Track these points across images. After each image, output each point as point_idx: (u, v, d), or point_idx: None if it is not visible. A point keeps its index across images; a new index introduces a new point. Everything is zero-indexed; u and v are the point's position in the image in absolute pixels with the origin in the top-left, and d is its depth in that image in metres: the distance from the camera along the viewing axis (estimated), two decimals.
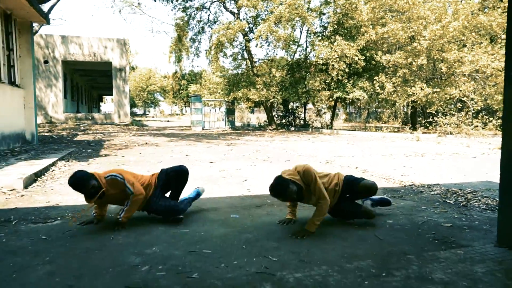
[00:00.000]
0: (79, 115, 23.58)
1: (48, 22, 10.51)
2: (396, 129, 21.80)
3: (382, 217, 3.70)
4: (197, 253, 2.71)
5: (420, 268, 2.48)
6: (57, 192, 4.68)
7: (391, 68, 19.29)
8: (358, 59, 18.86)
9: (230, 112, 22.41)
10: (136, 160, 7.75)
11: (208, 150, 9.79)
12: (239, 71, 22.54)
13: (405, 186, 5.37)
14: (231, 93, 20.66)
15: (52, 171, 6.10)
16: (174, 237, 3.04)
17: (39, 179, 5.40)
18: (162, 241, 2.94)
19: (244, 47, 22.29)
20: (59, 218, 3.58)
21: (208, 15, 25.71)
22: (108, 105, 61.73)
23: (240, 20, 20.39)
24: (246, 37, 21.57)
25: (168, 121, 43.18)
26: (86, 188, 3.10)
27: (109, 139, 13.02)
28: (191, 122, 21.59)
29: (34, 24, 11.69)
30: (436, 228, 3.35)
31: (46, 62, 22.20)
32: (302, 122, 23.10)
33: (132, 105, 50.58)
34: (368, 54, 19.90)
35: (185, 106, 66.21)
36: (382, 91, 18.56)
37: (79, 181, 3.09)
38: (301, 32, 21.55)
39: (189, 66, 27.92)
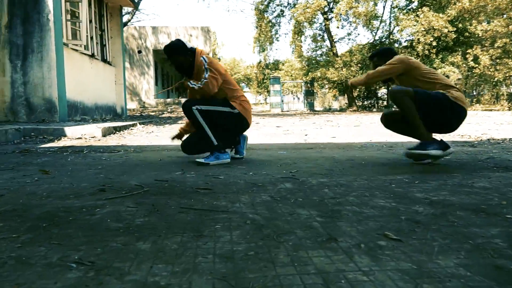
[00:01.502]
0: (168, 100, 25.30)
1: (136, 7, 11.45)
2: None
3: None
4: (231, 167, 2.79)
5: (462, 179, 2.25)
6: (129, 140, 5.13)
7: (488, 40, 17.34)
8: (448, 31, 17.29)
9: (308, 93, 22.18)
10: None
11: (279, 121, 9.85)
12: (319, 52, 22.12)
13: (481, 140, 4.85)
14: (309, 73, 20.40)
15: (131, 129, 6.69)
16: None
17: (117, 132, 5.97)
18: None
19: (323, 27, 21.81)
20: (122, 151, 3.93)
21: None
22: None
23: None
24: (325, 16, 21.04)
25: (252, 108, 44.28)
26: (179, 53, 2.99)
27: None
28: (270, 104, 21.84)
29: (127, 13, 12.82)
30: (501, 162, 2.99)
31: (139, 52, 24.17)
32: (385, 103, 21.92)
33: None
34: (460, 25, 18.15)
35: (269, 96, 66.98)
36: (477, 65, 16.82)
37: (177, 42, 3.02)
38: (384, 7, 20.38)
39: (272, 53, 27.98)
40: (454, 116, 2.88)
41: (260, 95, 74.84)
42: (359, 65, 19.76)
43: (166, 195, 1.92)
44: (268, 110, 22.48)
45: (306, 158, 3.25)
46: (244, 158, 3.28)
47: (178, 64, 3.07)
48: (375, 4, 18.63)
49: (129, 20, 17.99)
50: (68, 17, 7.88)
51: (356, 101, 22.87)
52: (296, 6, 20.41)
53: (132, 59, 24.04)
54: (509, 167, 2.72)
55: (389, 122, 3.20)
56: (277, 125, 7.85)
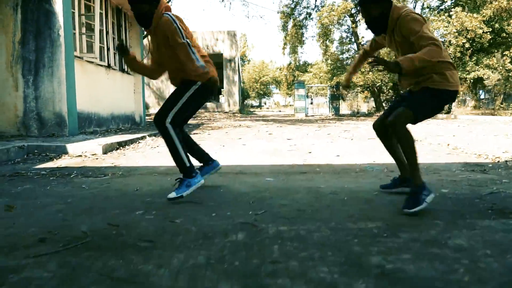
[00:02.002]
0: None
1: None
2: None
3: (437, 187, 3.10)
4: (200, 204, 2.64)
5: (439, 233, 1.99)
6: (127, 158, 5.10)
7: None
8: (483, 32, 16.38)
9: (334, 98, 21.69)
10: (218, 137, 8.03)
11: (294, 131, 9.62)
12: (346, 56, 21.60)
13: (498, 161, 4.45)
14: (334, 77, 19.94)
15: (138, 143, 6.68)
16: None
17: (121, 148, 5.96)
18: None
19: (350, 30, 21.28)
20: (109, 175, 3.88)
21: (316, 0, 25.18)
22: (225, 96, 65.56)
23: (345, 1, 19.47)
24: (352, 19, 20.51)
25: (280, 111, 44.08)
26: (145, 1, 2.73)
27: (210, 123, 13.78)
28: (294, 109, 21.57)
29: None
30: (503, 200, 2.67)
31: None
32: None
33: (246, 96, 52.82)
34: (496, 25, 17.17)
35: (294, 100, 66.59)
36: None
37: None
38: (414, 7, 19.53)
39: (301, 55, 27.69)
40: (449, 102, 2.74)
41: (289, 96, 74.53)
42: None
43: (101, 250, 1.79)
44: (293, 115, 22.21)
45: (288, 190, 3.05)
46: (223, 189, 3.12)
47: (141, 13, 2.77)
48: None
49: None
50: (83, 30, 8.01)
51: (384, 104, 22.16)
52: (321, 9, 20.03)
53: None
54: (506, 209, 2.41)
55: (381, 133, 2.86)
56: (288, 137, 7.64)
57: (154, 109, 24.49)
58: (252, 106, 70.74)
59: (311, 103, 21.71)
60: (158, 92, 24.48)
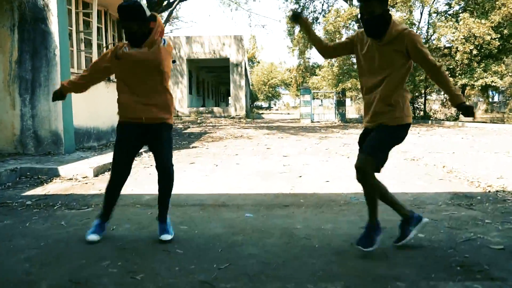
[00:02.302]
0: (201, 109, 25.62)
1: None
2: None
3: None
4: (168, 252, 2.63)
5: None
6: None
7: None
8: (491, 38, 16.10)
9: (340, 104, 21.56)
10: (215, 152, 8.03)
11: (293, 144, 9.58)
12: (350, 62, 21.43)
13: (488, 191, 4.36)
14: (340, 84, 19.81)
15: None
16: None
17: None
18: (144, 239, 2.94)
19: None
20: (92, 206, 3.90)
21: (322, 4, 25.10)
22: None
23: (350, 6, 19.34)
24: (358, 24, 20.32)
25: (288, 113, 43.95)
26: (129, 18, 2.65)
27: (213, 131, 13.80)
28: (300, 115, 21.49)
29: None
30: (477, 251, 2.61)
31: (174, 61, 24.39)
32: (422, 113, 20.82)
33: (255, 98, 52.85)
34: (505, 31, 16.85)
35: (300, 106, 66.58)
36: None
37: (138, 8, 2.68)
38: (421, 13, 19.31)
39: (308, 59, 27.53)
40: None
41: (299, 98, 74.38)
42: None
43: None
44: (298, 120, 22.14)
45: (262, 233, 3.03)
46: (197, 231, 3.11)
47: (130, 32, 2.71)
48: (411, 12, 17.75)
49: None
50: (82, 46, 8.08)
51: None
52: (326, 15, 19.92)
53: None
54: (476, 266, 2.35)
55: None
56: (284, 154, 7.60)
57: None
58: (261, 108, 70.82)
59: (320, 105, 21.50)
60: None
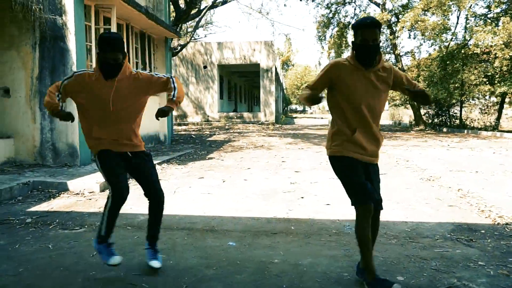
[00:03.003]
0: (231, 114, 25.84)
1: (179, 36, 11.82)
2: None
3: (398, 269, 2.89)
4: (134, 286, 2.65)
5: None
6: None
7: None
8: None
9: None
10: (229, 165, 8.04)
11: (311, 156, 9.42)
12: None
13: (497, 224, 4.07)
14: None
15: None
16: (139, 263, 3.04)
17: None
18: (119, 268, 2.97)
19: (388, 40, 20.53)
20: (86, 226, 4.01)
21: (354, 9, 24.59)
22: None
23: (382, 11, 18.81)
24: (390, 30, 19.77)
25: (322, 118, 43.43)
26: (118, 49, 2.70)
27: (236, 139, 13.86)
28: (329, 122, 21.13)
29: (186, 34, 13.29)
30: None
31: (205, 67, 25.03)
32: (458, 121, 19.84)
33: (288, 102, 52.66)
34: None
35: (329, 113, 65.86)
36: None
37: (118, 37, 2.77)
38: (457, 17, 18.47)
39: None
40: None
41: None
42: (427, 82, 18.19)
43: None
44: (327, 125, 21.81)
45: (235, 267, 2.98)
46: (172, 261, 3.11)
47: (118, 63, 2.75)
48: (446, 17, 16.99)
49: (191, 38, 18.60)
50: None
51: (425, 118, 21.10)
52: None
53: (198, 74, 25.03)
54: None
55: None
56: (296, 169, 7.49)
57: (192, 118, 25.12)
58: (296, 111, 70.52)
59: None
60: (196, 102, 25.01)
